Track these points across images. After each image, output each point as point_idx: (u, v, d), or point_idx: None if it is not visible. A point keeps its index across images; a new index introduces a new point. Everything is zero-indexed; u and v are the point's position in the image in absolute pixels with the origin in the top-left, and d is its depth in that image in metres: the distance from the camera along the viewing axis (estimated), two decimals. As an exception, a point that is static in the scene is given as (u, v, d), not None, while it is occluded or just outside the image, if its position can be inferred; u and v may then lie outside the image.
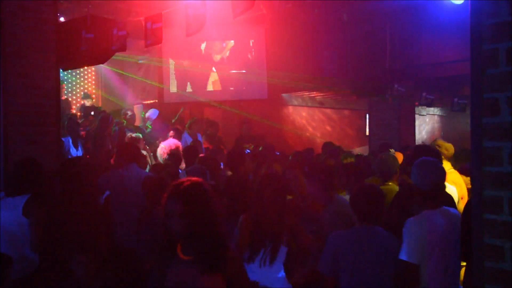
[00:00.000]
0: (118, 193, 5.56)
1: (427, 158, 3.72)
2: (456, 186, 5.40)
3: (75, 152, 7.83)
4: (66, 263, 3.55)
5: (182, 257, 2.66)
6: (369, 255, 3.46)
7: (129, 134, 8.53)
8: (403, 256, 3.41)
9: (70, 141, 8.01)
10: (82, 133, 9.67)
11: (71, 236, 3.94)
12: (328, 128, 15.39)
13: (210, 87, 12.65)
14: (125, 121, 10.15)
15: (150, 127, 10.27)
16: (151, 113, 10.56)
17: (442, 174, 3.64)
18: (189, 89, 12.48)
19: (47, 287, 3.94)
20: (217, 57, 12.60)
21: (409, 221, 3.49)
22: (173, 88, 12.54)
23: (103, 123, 8.20)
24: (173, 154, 6.68)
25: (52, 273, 3.87)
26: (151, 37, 6.39)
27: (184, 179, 2.76)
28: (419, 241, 3.40)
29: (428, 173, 3.57)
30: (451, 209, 3.68)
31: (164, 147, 6.88)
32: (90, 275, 3.49)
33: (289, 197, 4.83)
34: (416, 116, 13.12)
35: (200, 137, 9.98)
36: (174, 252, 2.69)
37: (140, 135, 8.41)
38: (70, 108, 11.44)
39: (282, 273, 3.89)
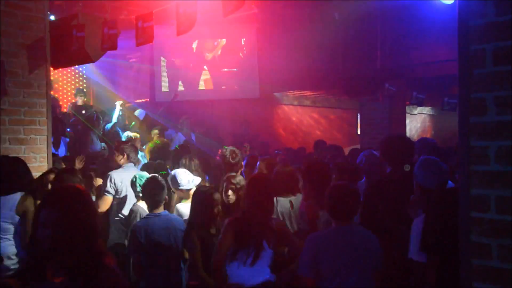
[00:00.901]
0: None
1: (430, 158, 3.76)
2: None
3: (55, 152, 7.69)
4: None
5: (52, 279, 2.33)
6: (348, 254, 3.42)
7: (126, 133, 8.56)
8: (411, 255, 3.46)
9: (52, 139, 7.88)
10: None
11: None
12: (320, 127, 15.42)
13: (202, 86, 12.62)
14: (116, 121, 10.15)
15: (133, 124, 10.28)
16: (139, 113, 10.56)
17: (446, 175, 3.67)
18: (180, 87, 12.45)
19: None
20: (209, 56, 12.58)
21: (416, 221, 3.51)
22: (165, 87, 12.52)
23: (88, 122, 8.24)
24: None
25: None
26: (142, 36, 6.36)
27: (58, 186, 2.44)
28: None
29: (432, 175, 3.63)
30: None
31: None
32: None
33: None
34: (407, 115, 13.16)
35: (193, 137, 9.97)
36: (43, 274, 2.35)
37: (138, 135, 8.46)
38: (58, 106, 11.34)
39: (266, 276, 3.84)
